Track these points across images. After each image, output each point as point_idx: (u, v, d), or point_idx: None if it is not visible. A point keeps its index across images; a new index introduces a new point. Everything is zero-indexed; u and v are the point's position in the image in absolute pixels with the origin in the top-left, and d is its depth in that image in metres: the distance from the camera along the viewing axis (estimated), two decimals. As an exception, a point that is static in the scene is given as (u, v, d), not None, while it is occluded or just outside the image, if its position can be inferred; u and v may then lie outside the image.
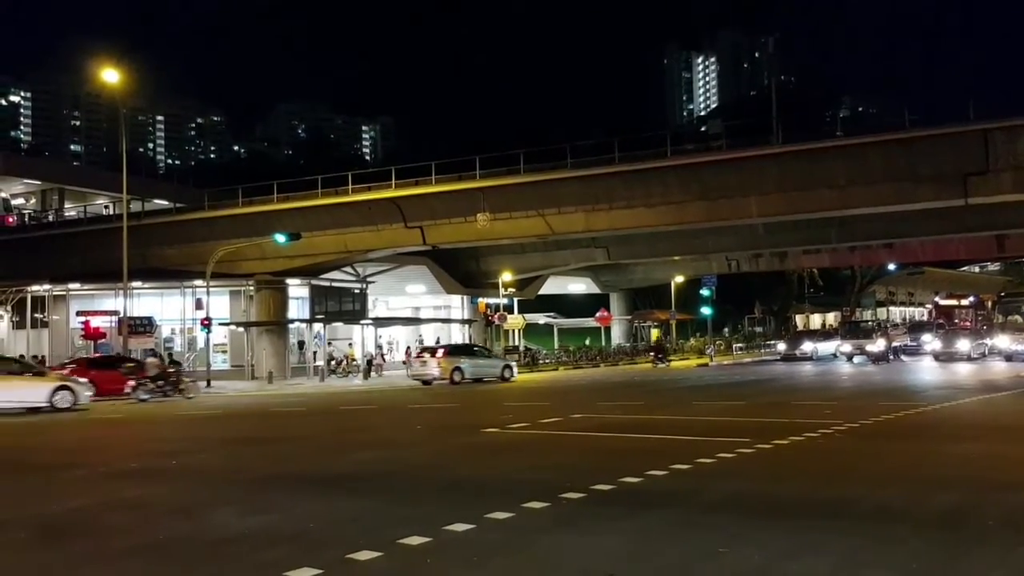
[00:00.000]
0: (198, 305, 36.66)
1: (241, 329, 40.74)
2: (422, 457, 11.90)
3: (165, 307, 40.40)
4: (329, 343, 42.25)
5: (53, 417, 20.87)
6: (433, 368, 31.90)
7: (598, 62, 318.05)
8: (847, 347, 41.78)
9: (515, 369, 35.41)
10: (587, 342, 56.44)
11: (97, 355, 33.20)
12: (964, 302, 50.16)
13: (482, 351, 37.06)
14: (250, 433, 16.25)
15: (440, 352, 33.33)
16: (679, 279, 57.78)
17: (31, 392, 22.32)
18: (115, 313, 35.73)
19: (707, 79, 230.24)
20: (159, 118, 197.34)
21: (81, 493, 9.39)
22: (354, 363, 41.28)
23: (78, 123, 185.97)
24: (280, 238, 34.39)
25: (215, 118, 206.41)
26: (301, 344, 42.07)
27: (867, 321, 59.00)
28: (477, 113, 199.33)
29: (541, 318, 57.81)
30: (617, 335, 60.73)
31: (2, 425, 18.93)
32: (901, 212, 35.93)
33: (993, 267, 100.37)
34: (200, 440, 15.15)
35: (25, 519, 7.99)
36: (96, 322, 35.66)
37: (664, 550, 6.24)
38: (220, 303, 39.92)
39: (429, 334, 52.02)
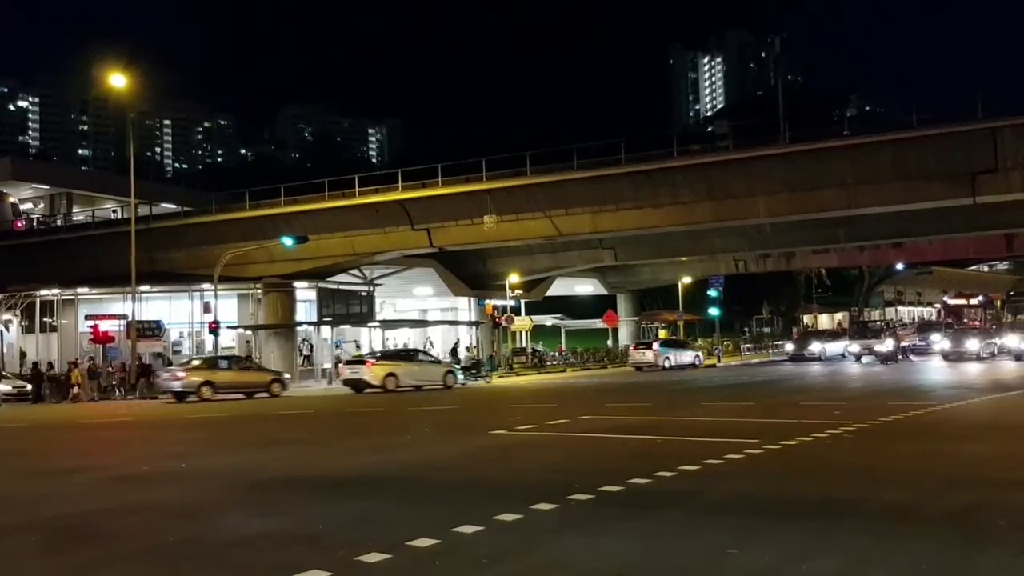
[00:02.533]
0: (206, 308, 36.74)
1: (249, 332, 40.81)
2: (430, 459, 11.90)
3: (173, 311, 40.50)
4: (337, 346, 42.32)
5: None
6: (365, 374, 30.44)
7: (604, 63, 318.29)
8: (855, 347, 41.66)
9: (460, 376, 33.40)
10: (608, 343, 56.29)
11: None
12: (973, 301, 50.06)
13: (426, 357, 35.52)
14: (258, 435, 16.28)
15: (374, 358, 32.34)
16: (686, 280, 57.70)
17: None
18: (123, 317, 35.82)
19: (713, 79, 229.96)
20: (167, 122, 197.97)
21: (91, 496, 9.41)
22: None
23: (86, 128, 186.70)
24: (287, 241, 34.46)
25: (222, 122, 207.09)
26: (311, 348, 42.18)
27: (875, 321, 58.85)
28: (483, 115, 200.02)
29: (548, 320, 57.77)
30: (625, 336, 60.64)
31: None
32: (909, 211, 35.78)
33: (1002, 266, 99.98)
34: (207, 443, 15.18)
35: (36, 522, 8.01)
36: (105, 326, 35.73)
37: (673, 551, 6.23)
38: (228, 306, 39.97)
39: (437, 336, 52.04)
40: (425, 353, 37.94)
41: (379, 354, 34.14)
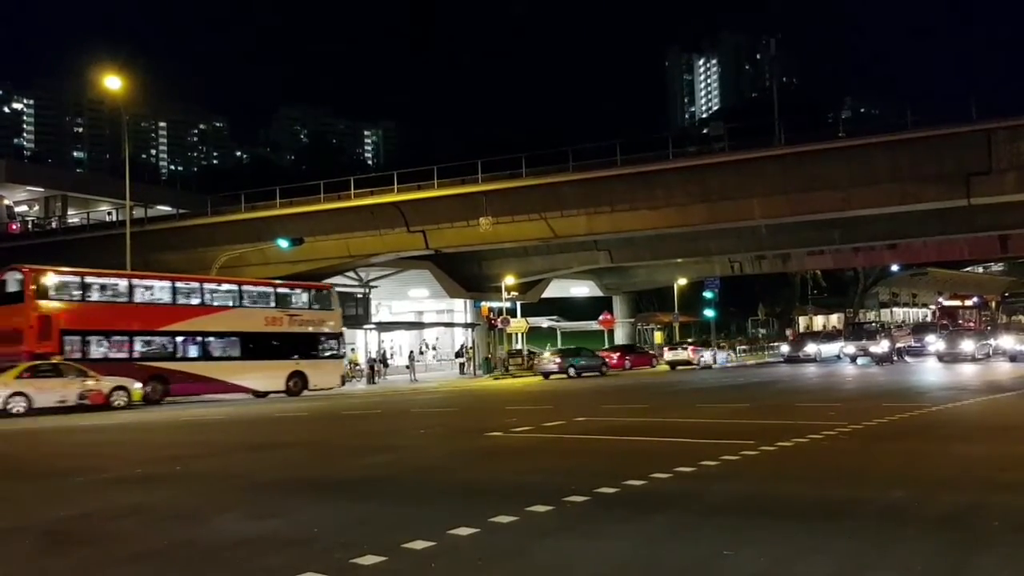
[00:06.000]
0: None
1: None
2: (426, 461, 11.88)
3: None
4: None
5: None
6: None
7: (599, 65, 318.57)
8: (851, 348, 41.77)
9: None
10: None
11: None
12: (968, 303, 50.19)
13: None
14: (253, 438, 16.25)
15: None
16: (682, 281, 57.81)
17: None
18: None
19: (708, 81, 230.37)
20: (162, 124, 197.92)
21: (85, 499, 9.39)
22: (357, 368, 41.29)
23: (81, 130, 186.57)
24: (283, 243, 34.44)
25: (217, 124, 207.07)
26: None
27: (871, 322, 59.00)
28: (479, 117, 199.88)
29: (544, 321, 57.85)
30: (620, 338, 60.72)
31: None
32: (904, 213, 35.95)
33: (997, 267, 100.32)
34: (203, 445, 15.15)
35: (32, 525, 7.99)
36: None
37: (669, 553, 6.23)
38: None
39: (432, 338, 52.06)
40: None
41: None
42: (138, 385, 25.41)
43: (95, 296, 27.99)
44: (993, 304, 48.99)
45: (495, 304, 47.69)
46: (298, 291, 33.22)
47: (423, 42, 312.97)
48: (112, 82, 33.75)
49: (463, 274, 48.45)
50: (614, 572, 5.79)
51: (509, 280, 46.71)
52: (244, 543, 6.89)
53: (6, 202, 54.37)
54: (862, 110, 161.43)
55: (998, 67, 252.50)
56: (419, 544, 6.38)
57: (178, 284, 29.96)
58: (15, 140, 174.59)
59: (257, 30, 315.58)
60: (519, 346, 51.65)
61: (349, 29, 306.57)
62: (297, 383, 30.74)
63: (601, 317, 55.91)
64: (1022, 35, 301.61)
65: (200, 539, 7.15)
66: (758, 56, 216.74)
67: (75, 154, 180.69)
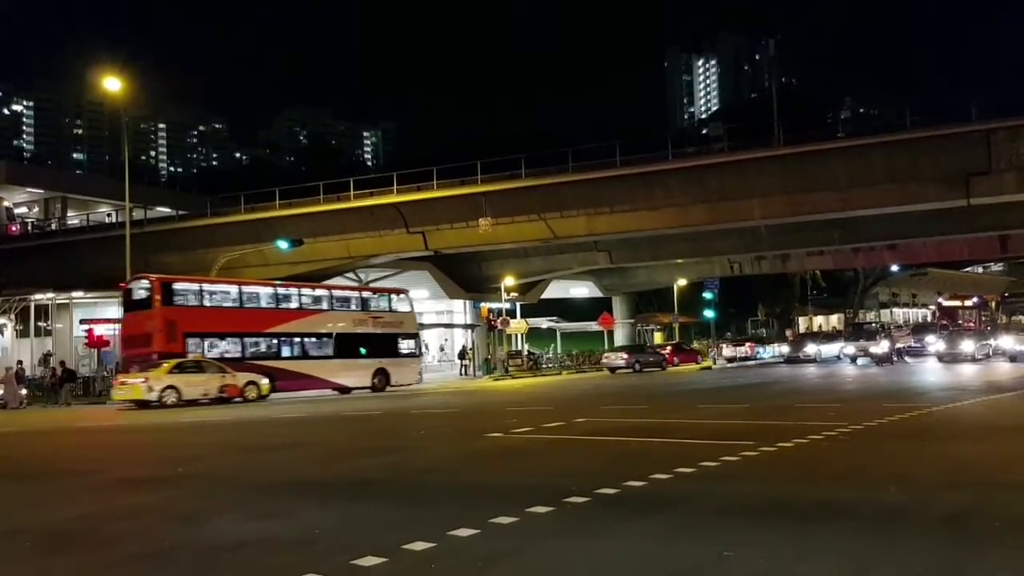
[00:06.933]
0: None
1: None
2: (426, 462, 11.88)
3: (168, 314, 40.35)
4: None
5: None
6: None
7: (599, 65, 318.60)
8: (851, 349, 41.75)
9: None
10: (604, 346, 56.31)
11: None
12: (968, 303, 50.14)
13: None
14: (253, 440, 16.24)
15: None
16: (682, 282, 57.79)
17: None
18: (119, 321, 35.70)
19: (708, 81, 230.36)
20: (161, 126, 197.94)
21: (86, 500, 9.39)
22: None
23: (80, 132, 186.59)
24: (283, 244, 34.44)
25: (217, 125, 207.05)
26: None
27: (871, 323, 59.02)
28: (478, 118, 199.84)
29: (544, 322, 57.81)
30: (620, 339, 60.70)
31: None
32: (904, 213, 35.95)
33: (996, 267, 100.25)
34: (203, 447, 15.14)
35: (31, 527, 7.99)
36: (100, 330, 35.66)
37: (670, 554, 6.22)
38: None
39: (432, 339, 52.02)
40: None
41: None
42: (265, 381, 28.20)
43: (210, 302, 30.55)
44: (993, 304, 48.95)
45: (495, 305, 47.69)
46: (379, 295, 35.98)
47: (421, 34, 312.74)
48: (112, 83, 33.74)
49: (463, 275, 48.46)
50: (614, 573, 5.79)
51: (509, 281, 46.71)
52: (244, 544, 6.89)
53: (6, 204, 54.39)
54: (861, 110, 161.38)
55: (998, 67, 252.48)
56: (419, 545, 6.38)
57: (279, 290, 32.69)
58: (15, 142, 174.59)
59: (257, 31, 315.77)
60: (519, 347, 51.64)
61: (349, 30, 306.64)
62: (381, 380, 33.11)
63: (601, 318, 55.90)
64: (1023, 35, 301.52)
65: (200, 540, 7.14)
66: (757, 56, 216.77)
67: (75, 156, 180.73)
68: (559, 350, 56.04)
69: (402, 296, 36.16)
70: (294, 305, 32.31)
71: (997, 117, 30.23)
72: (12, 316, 41.14)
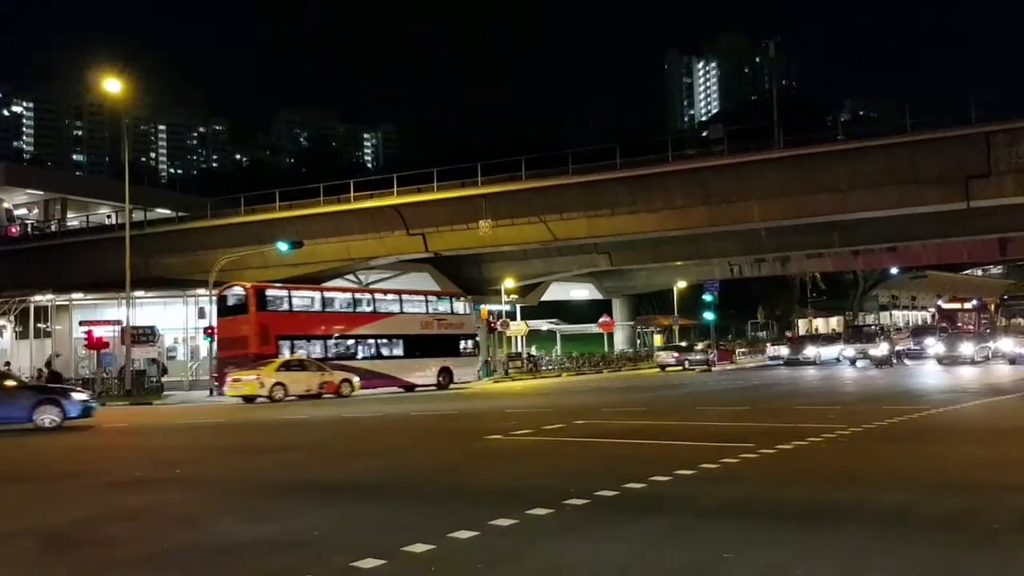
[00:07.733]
0: (201, 314, 36.63)
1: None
2: (426, 464, 11.88)
3: (168, 316, 40.43)
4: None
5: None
6: None
7: (599, 68, 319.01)
8: (850, 351, 41.73)
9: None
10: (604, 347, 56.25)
11: None
12: (967, 305, 50.11)
13: None
14: (252, 442, 16.24)
15: None
16: (682, 284, 57.81)
17: None
18: (118, 322, 35.70)
19: (708, 84, 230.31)
20: (161, 127, 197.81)
21: (84, 502, 9.39)
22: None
23: (80, 133, 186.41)
24: (282, 246, 34.43)
25: (217, 127, 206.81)
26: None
27: (870, 325, 58.96)
28: (478, 120, 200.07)
29: (544, 324, 57.81)
30: (620, 341, 60.71)
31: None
32: (903, 215, 35.92)
33: (996, 270, 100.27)
34: (202, 450, 15.14)
35: (30, 529, 7.98)
36: (99, 331, 35.59)
37: (669, 556, 6.22)
38: (223, 312, 39.99)
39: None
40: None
41: None
42: (357, 379, 30.12)
43: (297, 306, 32.73)
44: (992, 307, 48.91)
45: (495, 307, 47.66)
46: (440, 298, 38.47)
47: (421, 36, 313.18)
48: (112, 85, 33.73)
49: (463, 277, 48.44)
50: (614, 575, 5.79)
51: (509, 283, 46.69)
52: (243, 546, 6.89)
53: (5, 205, 54.40)
54: (861, 113, 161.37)
55: (998, 70, 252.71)
56: (419, 547, 6.38)
57: (357, 295, 35.66)
58: (14, 143, 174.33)
59: (257, 33, 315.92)
60: (519, 349, 51.60)
61: (349, 31, 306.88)
62: (445, 378, 35.25)
63: (601, 320, 55.90)
64: (1022, 38, 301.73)
65: (199, 542, 7.14)
66: (757, 59, 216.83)
67: (74, 157, 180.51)
68: (559, 352, 56.01)
69: (461, 299, 38.82)
70: (369, 309, 34.50)
71: (997, 120, 30.22)
72: (12, 318, 41.14)
